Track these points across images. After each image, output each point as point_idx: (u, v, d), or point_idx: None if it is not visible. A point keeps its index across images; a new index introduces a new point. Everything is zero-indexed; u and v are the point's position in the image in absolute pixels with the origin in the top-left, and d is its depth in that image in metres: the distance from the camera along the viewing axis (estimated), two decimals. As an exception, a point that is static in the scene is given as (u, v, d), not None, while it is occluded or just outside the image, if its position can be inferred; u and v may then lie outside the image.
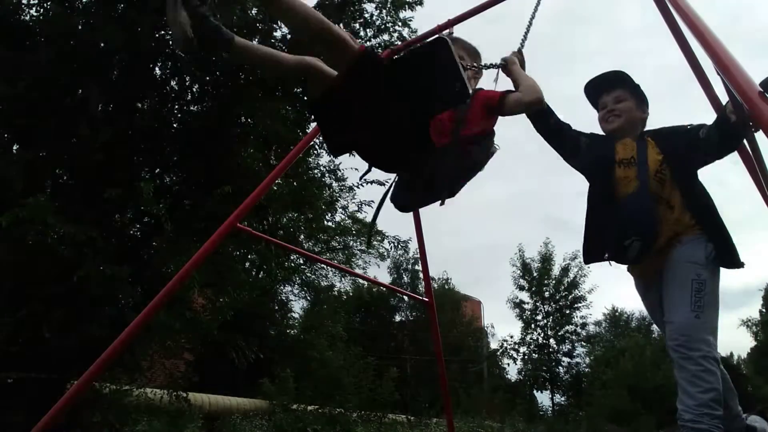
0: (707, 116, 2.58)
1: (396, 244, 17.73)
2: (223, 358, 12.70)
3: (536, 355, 30.48)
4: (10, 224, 6.02)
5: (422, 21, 11.37)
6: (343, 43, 2.06)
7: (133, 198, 7.01)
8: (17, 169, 6.81)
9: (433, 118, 2.29)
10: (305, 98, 8.57)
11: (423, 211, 3.91)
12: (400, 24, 9.06)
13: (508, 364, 32.46)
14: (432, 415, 19.16)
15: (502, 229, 60.43)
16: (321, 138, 2.58)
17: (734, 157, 2.50)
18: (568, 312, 30.80)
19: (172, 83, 8.34)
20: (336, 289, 22.80)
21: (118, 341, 2.99)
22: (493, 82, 2.71)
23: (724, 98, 2.46)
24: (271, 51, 2.31)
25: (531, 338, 30.78)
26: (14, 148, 7.74)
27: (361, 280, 27.87)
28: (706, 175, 2.62)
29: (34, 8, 7.59)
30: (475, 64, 2.67)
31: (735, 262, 2.46)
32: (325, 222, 11.53)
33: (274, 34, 8.40)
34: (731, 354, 35.12)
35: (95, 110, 7.55)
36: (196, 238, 7.30)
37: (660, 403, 20.89)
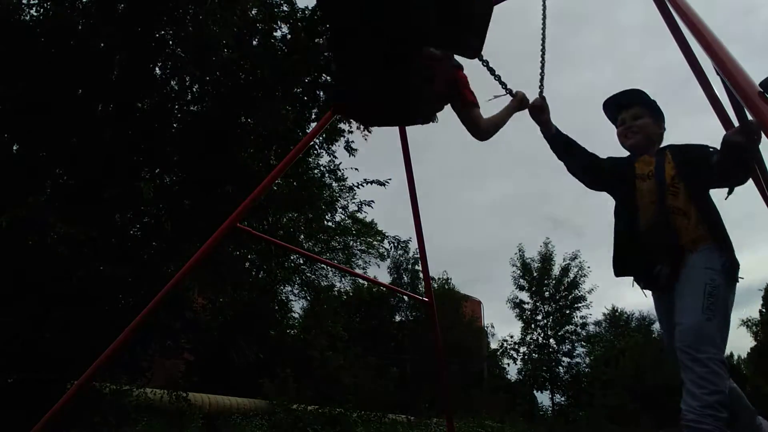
0: (707, 116, 2.60)
1: (396, 244, 17.76)
2: (223, 358, 12.73)
3: (536, 355, 30.53)
4: (10, 224, 6.02)
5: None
6: None
7: (133, 198, 7.00)
8: (17, 169, 6.81)
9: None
10: (305, 98, 8.58)
11: (423, 211, 3.92)
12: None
13: (508, 364, 32.54)
14: (432, 415, 19.17)
15: (502, 229, 60.52)
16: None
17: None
18: (568, 312, 30.85)
19: (172, 83, 8.34)
20: (336, 289, 22.81)
21: (118, 341, 2.99)
22: (491, 99, 2.93)
23: (724, 98, 2.47)
24: None
25: (531, 338, 30.86)
26: (14, 148, 7.74)
27: (361, 280, 27.90)
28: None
29: (34, 8, 7.59)
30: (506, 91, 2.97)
31: (735, 278, 2.53)
32: (325, 222, 11.53)
33: (274, 34, 8.40)
34: (731, 354, 35.18)
35: (95, 110, 7.56)
36: (196, 238, 7.29)
37: (660, 403, 20.89)
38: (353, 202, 11.30)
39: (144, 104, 8.14)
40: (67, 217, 6.39)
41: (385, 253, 22.21)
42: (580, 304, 30.64)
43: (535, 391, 31.10)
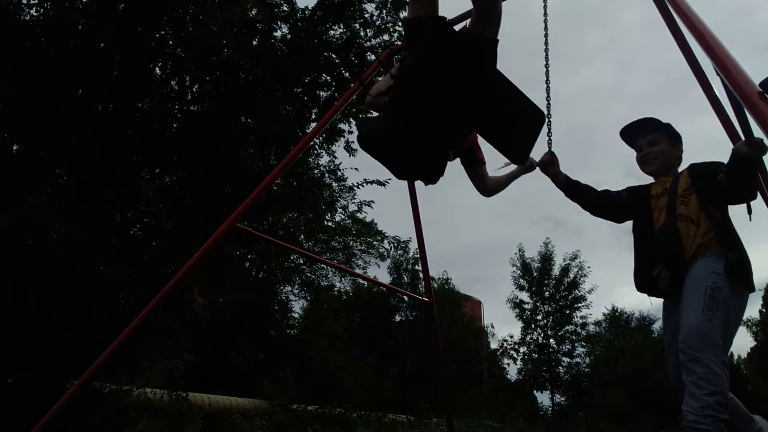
0: (706, 116, 2.62)
1: (396, 244, 17.71)
2: (223, 358, 12.72)
3: (536, 355, 30.50)
4: (10, 224, 6.01)
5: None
6: None
7: (133, 198, 6.99)
8: (17, 169, 6.80)
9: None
10: (305, 98, 8.58)
11: (423, 211, 3.92)
12: (400, 24, 9.05)
13: (508, 364, 32.52)
14: (432, 415, 19.17)
15: (502, 229, 60.49)
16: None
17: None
18: (568, 312, 30.82)
19: (172, 83, 8.34)
20: (336, 289, 22.77)
21: (118, 341, 2.99)
22: (502, 167, 3.02)
23: (724, 98, 2.47)
24: None
25: (531, 338, 30.83)
26: (14, 148, 7.74)
27: (361, 280, 27.86)
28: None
29: (34, 8, 7.59)
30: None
31: (748, 285, 2.52)
32: (325, 222, 11.52)
33: (274, 34, 8.40)
34: (731, 354, 35.13)
35: (95, 110, 7.55)
36: (196, 238, 7.29)
37: (660, 403, 20.89)
38: (353, 202, 11.30)
39: (144, 104, 8.14)
40: (67, 217, 6.39)
41: (385, 253, 22.16)
42: (580, 304, 30.62)
43: (535, 391, 31.09)
